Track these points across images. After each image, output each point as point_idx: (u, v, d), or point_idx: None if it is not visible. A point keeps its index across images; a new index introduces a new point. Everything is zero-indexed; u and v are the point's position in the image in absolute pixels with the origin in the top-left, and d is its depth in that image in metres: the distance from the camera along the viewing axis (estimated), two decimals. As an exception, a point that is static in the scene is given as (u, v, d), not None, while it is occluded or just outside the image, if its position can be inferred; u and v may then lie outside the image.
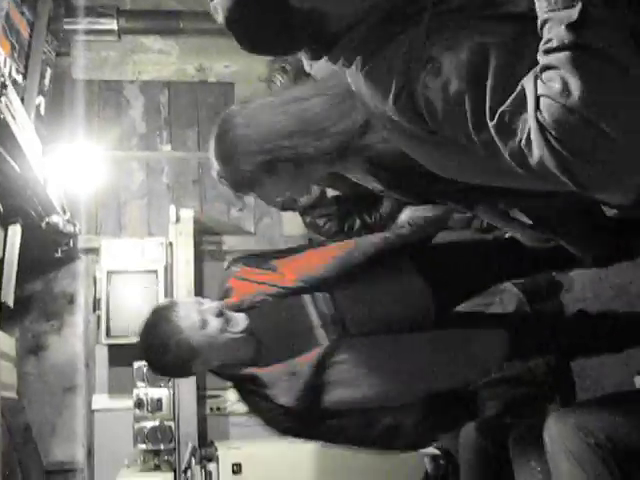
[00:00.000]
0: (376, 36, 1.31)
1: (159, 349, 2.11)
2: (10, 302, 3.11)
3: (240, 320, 2.20)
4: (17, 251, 3.17)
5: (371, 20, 1.31)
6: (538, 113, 1.09)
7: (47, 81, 3.87)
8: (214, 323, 2.15)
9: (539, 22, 1.10)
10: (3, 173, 2.67)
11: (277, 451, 3.77)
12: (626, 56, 1.05)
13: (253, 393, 2.18)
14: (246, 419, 4.19)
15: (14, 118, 2.49)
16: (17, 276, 3.30)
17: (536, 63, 1.11)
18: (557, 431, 2.08)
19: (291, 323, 2.22)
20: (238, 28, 1.32)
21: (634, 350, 2.62)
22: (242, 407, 4.15)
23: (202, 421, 4.14)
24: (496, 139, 1.16)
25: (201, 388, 4.17)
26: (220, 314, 2.18)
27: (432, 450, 3.28)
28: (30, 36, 3.57)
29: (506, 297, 3.20)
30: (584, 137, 1.06)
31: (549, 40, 1.07)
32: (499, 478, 2.49)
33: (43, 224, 3.23)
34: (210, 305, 2.21)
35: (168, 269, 3.99)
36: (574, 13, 1.03)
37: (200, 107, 4.54)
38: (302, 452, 3.66)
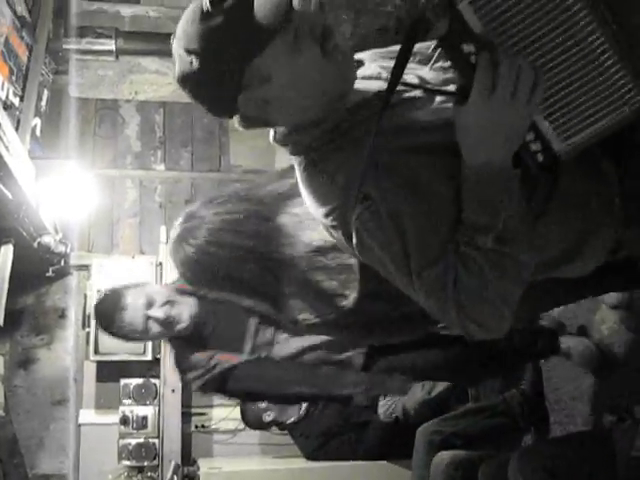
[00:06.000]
0: (321, 144, 1.34)
1: (107, 328, 2.55)
2: (0, 320, 3.18)
3: (185, 312, 2.47)
4: (8, 271, 3.24)
5: (320, 129, 1.33)
6: (454, 290, 1.26)
7: (44, 102, 3.95)
8: (155, 329, 2.49)
9: (469, 218, 1.25)
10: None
11: (259, 471, 3.84)
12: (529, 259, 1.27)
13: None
14: (231, 436, 4.28)
15: (7, 148, 2.57)
16: (9, 290, 3.36)
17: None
18: (519, 470, 2.17)
19: (232, 322, 2.45)
20: (189, 90, 1.34)
21: (607, 387, 2.70)
22: (227, 424, 4.26)
23: (187, 438, 4.20)
24: (420, 293, 1.30)
25: (186, 405, 4.24)
26: (164, 321, 2.47)
27: None
28: (28, 59, 3.64)
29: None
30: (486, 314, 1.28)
31: (474, 238, 1.24)
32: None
33: (35, 244, 3.30)
34: (158, 309, 2.48)
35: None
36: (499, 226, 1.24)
37: (194, 127, 4.63)
38: (284, 472, 3.74)
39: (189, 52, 1.28)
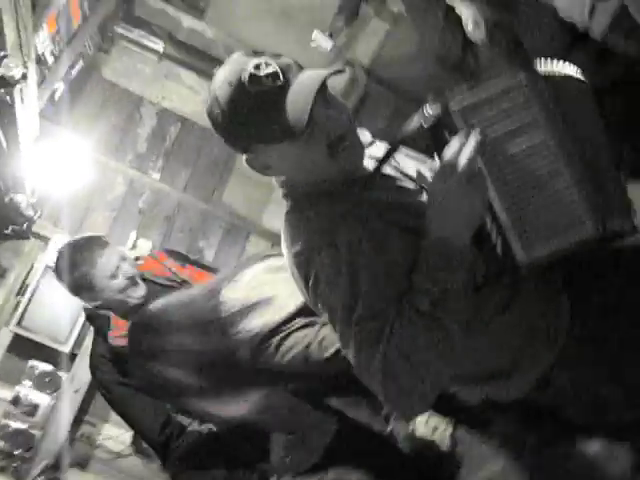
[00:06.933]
0: (311, 198, 1.48)
1: (70, 265, 2.67)
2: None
3: (140, 290, 2.73)
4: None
5: (314, 189, 1.48)
6: (387, 346, 1.34)
7: (74, 72, 3.95)
8: (120, 281, 2.69)
9: (414, 281, 1.36)
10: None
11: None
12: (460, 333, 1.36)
13: None
14: (112, 457, 4.14)
15: (22, 99, 2.54)
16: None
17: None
18: None
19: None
20: (211, 124, 1.46)
21: None
22: (113, 444, 4.11)
23: (67, 443, 4.04)
24: (354, 345, 1.38)
25: (82, 410, 4.10)
26: (131, 278, 2.71)
27: None
28: (79, 27, 3.66)
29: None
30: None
31: (414, 298, 1.35)
32: None
33: (7, 199, 3.24)
34: (128, 266, 2.73)
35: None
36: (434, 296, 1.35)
37: (202, 153, 4.63)
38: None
39: (217, 102, 1.40)
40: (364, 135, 1.63)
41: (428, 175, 1.56)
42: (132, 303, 2.72)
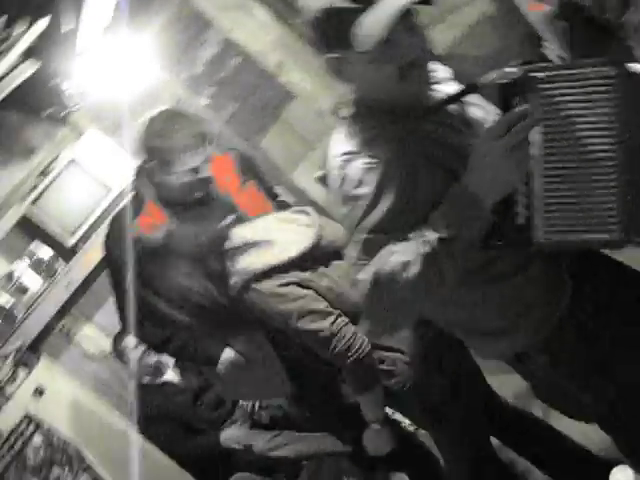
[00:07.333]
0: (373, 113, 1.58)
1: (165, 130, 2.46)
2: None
3: (199, 193, 2.51)
4: (16, 83, 3.17)
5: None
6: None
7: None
8: (193, 178, 2.47)
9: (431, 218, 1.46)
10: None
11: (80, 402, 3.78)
12: None
13: None
14: (81, 358, 4.20)
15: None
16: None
17: None
18: None
19: None
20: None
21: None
22: (88, 344, 4.17)
23: (47, 331, 4.10)
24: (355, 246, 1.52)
25: (70, 304, 4.15)
26: (203, 181, 2.50)
27: None
28: None
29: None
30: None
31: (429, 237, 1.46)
32: None
33: (52, 82, 3.24)
34: (207, 170, 2.52)
35: (120, 195, 3.97)
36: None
37: (253, 93, 4.59)
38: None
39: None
40: (445, 71, 1.73)
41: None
42: (187, 200, 2.57)
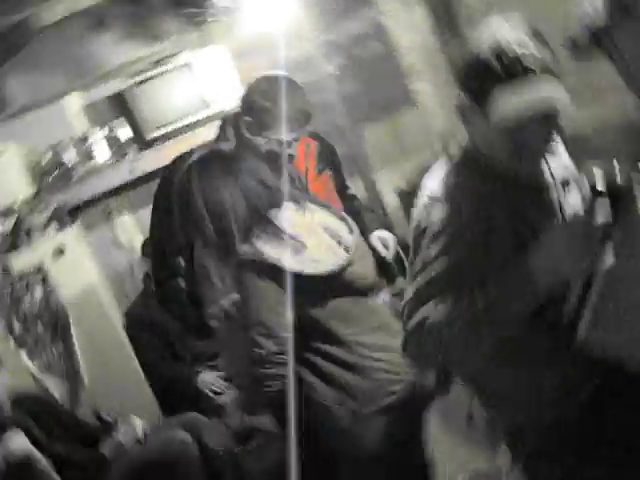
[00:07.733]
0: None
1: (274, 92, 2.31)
2: None
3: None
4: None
5: None
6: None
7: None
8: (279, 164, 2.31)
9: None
10: None
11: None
12: None
13: None
14: (109, 242, 4.27)
15: None
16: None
17: None
18: None
19: None
20: None
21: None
22: (121, 234, 4.22)
23: (91, 202, 4.20)
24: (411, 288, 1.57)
25: (125, 188, 4.24)
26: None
27: None
28: None
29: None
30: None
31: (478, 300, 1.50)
32: None
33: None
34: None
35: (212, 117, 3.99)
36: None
37: (373, 83, 4.56)
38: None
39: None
40: (566, 158, 1.78)
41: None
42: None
